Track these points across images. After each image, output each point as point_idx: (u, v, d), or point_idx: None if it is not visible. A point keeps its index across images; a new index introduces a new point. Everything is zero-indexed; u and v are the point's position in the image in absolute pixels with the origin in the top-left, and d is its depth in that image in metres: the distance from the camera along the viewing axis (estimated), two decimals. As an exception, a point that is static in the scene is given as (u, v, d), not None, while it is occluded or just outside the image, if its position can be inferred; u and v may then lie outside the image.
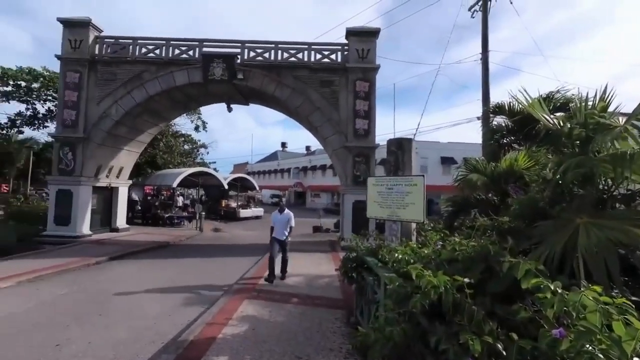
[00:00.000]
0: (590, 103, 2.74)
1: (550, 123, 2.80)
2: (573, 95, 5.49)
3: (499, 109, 7.55)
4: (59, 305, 5.11)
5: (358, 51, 11.53)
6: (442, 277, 1.56)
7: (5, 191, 37.17)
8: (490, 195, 5.72)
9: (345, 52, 11.80)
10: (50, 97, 19.18)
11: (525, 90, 3.20)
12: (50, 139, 24.69)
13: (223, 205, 21.76)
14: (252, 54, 12.08)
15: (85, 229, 11.46)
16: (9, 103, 18.72)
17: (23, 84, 17.80)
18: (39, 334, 4.05)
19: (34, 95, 18.77)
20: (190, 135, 24.93)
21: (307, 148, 54.01)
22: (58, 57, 11.84)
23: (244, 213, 21.09)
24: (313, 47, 12.00)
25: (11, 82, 17.83)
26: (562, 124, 2.61)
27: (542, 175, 3.01)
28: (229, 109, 13.42)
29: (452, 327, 1.49)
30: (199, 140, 26.25)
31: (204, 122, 21.49)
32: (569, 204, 2.32)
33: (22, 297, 5.40)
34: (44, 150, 34.03)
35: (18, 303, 5.12)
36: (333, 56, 11.93)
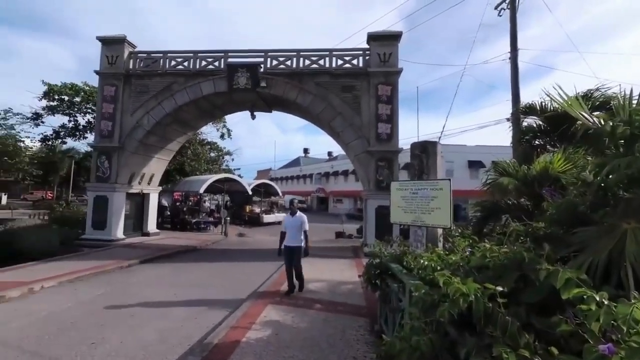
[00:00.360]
0: (635, 100, 2.53)
1: (589, 122, 2.61)
2: (614, 93, 5.12)
3: (530, 109, 7.19)
4: (95, 305, 5.38)
5: (380, 55, 11.46)
6: (472, 285, 1.47)
7: (50, 197, 40.17)
8: (522, 199, 5.42)
9: (367, 57, 11.77)
10: (89, 110, 20.62)
11: (560, 87, 3.01)
12: (89, 149, 26.47)
13: (247, 210, 22.21)
14: (274, 62, 12.35)
15: (119, 233, 12.09)
16: (54, 116, 20.35)
17: (66, 98, 19.29)
18: (77, 332, 4.28)
19: (76, 109, 20.28)
20: (215, 143, 25.84)
21: (329, 154, 54.09)
22: (97, 72, 12.73)
23: (267, 218, 21.38)
24: (334, 53, 12.08)
25: (56, 97, 19.40)
26: (603, 122, 2.43)
27: (581, 177, 2.80)
28: (253, 117, 13.75)
29: (484, 338, 1.40)
30: (224, 148, 27.13)
31: (229, 130, 22.20)
32: (614, 208, 2.13)
33: (62, 297, 5.76)
34: (84, 159, 36.51)
35: (59, 302, 5.45)
36: (354, 61, 11.94)
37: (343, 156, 44.91)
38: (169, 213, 18.83)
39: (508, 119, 11.38)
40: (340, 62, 11.98)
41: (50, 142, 21.13)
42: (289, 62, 12.23)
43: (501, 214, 6.19)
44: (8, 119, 14.11)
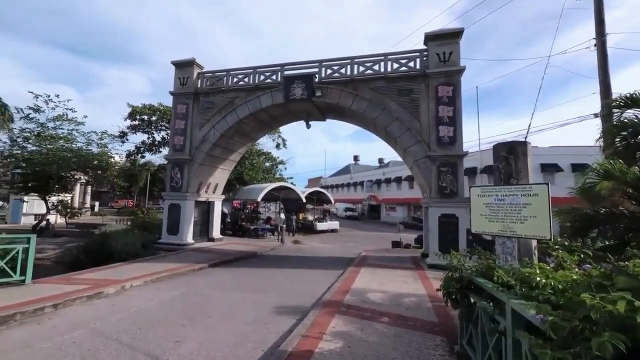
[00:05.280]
0: None
1: None
2: None
3: (633, 101, 6.12)
4: (174, 305, 5.82)
5: (439, 55, 10.90)
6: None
7: (131, 205, 45.65)
8: (634, 205, 4.56)
9: (425, 58, 11.28)
10: (163, 127, 23.09)
11: None
12: (162, 162, 29.56)
13: (300, 218, 22.64)
14: (328, 71, 12.51)
15: (190, 238, 13.14)
16: (136, 134, 23.21)
17: (146, 117, 21.89)
18: (162, 328, 4.63)
19: (153, 127, 22.87)
20: (270, 152, 27.03)
21: (380, 160, 52.99)
22: (171, 93, 14.20)
23: (320, 226, 21.52)
24: (389, 57, 11.81)
25: (137, 117, 22.14)
26: None
27: None
28: (308, 126, 14.05)
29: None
30: (278, 157, 28.21)
31: (283, 140, 23.01)
32: None
33: (147, 295, 6.35)
34: (157, 171, 40.82)
35: (145, 300, 6.01)
36: (411, 64, 11.53)
37: (395, 163, 43.61)
38: (229, 220, 20.05)
39: (596, 115, 9.92)
40: (395, 65, 11.67)
41: (132, 157, 24.08)
42: (343, 70, 12.27)
43: (601, 224, 5.30)
44: (103, 139, 16.32)
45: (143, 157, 25.06)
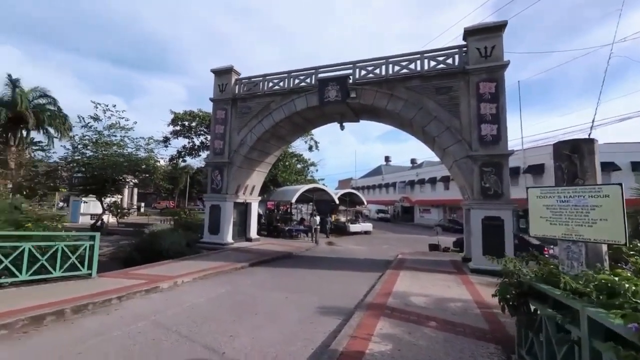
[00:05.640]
0: None
1: None
2: None
3: None
4: (222, 302, 6.11)
5: (480, 50, 10.45)
6: None
7: (172, 206, 48.34)
8: None
9: (464, 54, 10.87)
10: (202, 132, 24.31)
11: None
12: (200, 165, 31.09)
13: (333, 219, 22.70)
14: (362, 72, 12.46)
15: (229, 238, 13.70)
16: (177, 139, 24.66)
17: (186, 123, 23.19)
18: (215, 323, 4.89)
19: (193, 132, 24.16)
20: (302, 155, 27.44)
21: (413, 161, 51.69)
22: (211, 99, 14.93)
23: (353, 228, 21.43)
24: (425, 55, 11.53)
25: (179, 123, 23.51)
26: None
27: None
28: (342, 127, 14.08)
29: None
30: (309, 159, 28.56)
31: (316, 142, 23.24)
32: None
33: (197, 291, 6.73)
34: (196, 174, 42.89)
35: (195, 296, 6.38)
36: (449, 61, 11.16)
37: (429, 163, 42.26)
38: (264, 221, 20.62)
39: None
40: (432, 63, 11.36)
41: (174, 161, 25.59)
42: (377, 71, 12.17)
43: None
44: (150, 144, 17.56)
45: (184, 160, 26.51)
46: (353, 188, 42.73)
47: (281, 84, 13.81)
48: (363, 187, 54.48)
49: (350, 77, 12.48)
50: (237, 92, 14.65)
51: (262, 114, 13.88)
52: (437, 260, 11.67)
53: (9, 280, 5.87)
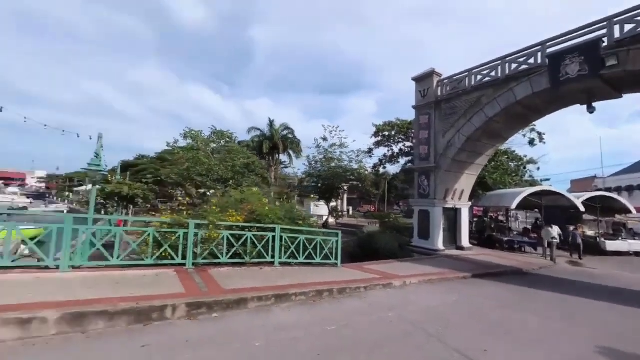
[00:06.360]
0: None
1: None
2: None
3: None
4: (458, 310, 5.89)
5: None
6: None
7: (372, 210, 53.13)
8: None
9: None
10: (400, 140, 25.40)
11: None
12: (395, 171, 32.48)
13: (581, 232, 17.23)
14: (627, 28, 8.89)
15: (440, 244, 13.34)
16: (378, 149, 27.02)
17: (386, 133, 25.02)
18: (459, 331, 4.74)
19: (392, 140, 25.74)
20: (514, 151, 22.93)
21: None
22: (413, 106, 15.30)
23: (612, 245, 15.43)
24: None
25: (380, 134, 25.72)
26: None
27: None
28: (590, 109, 10.55)
29: None
30: (525, 156, 23.38)
31: (539, 134, 18.78)
32: None
33: (426, 295, 6.88)
34: (392, 180, 45.00)
35: (428, 299, 6.52)
36: None
37: None
38: (474, 229, 18.64)
39: None
40: None
41: (377, 169, 28.14)
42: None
43: None
44: (359, 156, 20.18)
45: (384, 168, 28.61)
46: (599, 190, 31.02)
47: (492, 73, 12.18)
48: (618, 189, 38.56)
49: (604, 40, 9.22)
50: (439, 94, 14.26)
51: (471, 111, 12.73)
52: None
53: (294, 261, 8.27)
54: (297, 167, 35.14)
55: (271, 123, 37.57)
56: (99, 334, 3.84)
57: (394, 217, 20.10)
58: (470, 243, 16.69)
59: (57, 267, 5.74)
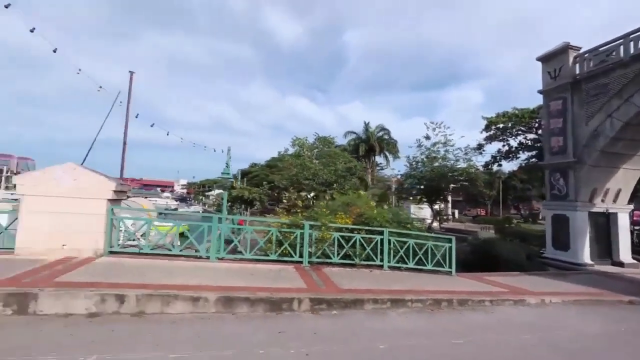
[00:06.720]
0: None
1: None
2: None
3: None
4: (635, 344, 4.61)
5: None
6: None
7: (482, 214, 47.17)
8: None
9: None
10: (519, 132, 21.78)
11: None
12: (512, 169, 27.86)
13: None
14: None
15: (585, 257, 10.77)
16: (491, 144, 23.79)
17: (501, 126, 21.85)
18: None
19: (508, 133, 22.32)
20: None
21: None
22: (539, 91, 12.90)
23: None
24: None
25: (492, 128, 22.64)
26: None
27: None
28: None
29: None
30: None
31: None
32: None
33: (576, 317, 5.63)
34: (508, 179, 39.10)
35: (579, 325, 5.31)
36: None
37: None
38: (635, 239, 14.42)
39: None
40: None
41: (489, 167, 24.86)
42: None
43: None
44: (467, 154, 18.19)
45: (500, 165, 25.06)
46: None
47: (666, 34, 9.19)
48: None
49: None
50: (578, 72, 11.61)
51: (630, 88, 9.92)
52: None
53: (403, 265, 8.00)
54: (395, 168, 34.22)
55: (367, 125, 37.70)
56: (244, 316, 4.53)
57: (515, 222, 17.26)
58: (634, 258, 12.93)
59: (208, 258, 7.06)
